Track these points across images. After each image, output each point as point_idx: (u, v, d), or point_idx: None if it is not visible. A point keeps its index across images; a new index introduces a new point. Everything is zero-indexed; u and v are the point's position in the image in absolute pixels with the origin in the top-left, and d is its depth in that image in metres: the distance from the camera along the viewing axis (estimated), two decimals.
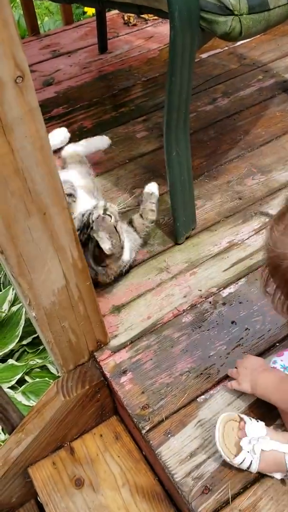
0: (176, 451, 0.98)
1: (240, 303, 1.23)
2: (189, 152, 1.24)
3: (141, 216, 1.35)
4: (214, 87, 1.96)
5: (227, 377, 1.08)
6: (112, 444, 1.21)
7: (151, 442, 1.00)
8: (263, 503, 0.90)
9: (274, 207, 1.45)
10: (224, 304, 1.23)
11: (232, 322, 1.19)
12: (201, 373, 1.10)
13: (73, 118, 1.87)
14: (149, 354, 1.15)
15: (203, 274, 1.30)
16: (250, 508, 0.90)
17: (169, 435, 1.01)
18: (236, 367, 1.02)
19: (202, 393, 1.06)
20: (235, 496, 0.91)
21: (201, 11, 0.98)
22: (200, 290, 1.27)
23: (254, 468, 0.89)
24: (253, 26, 1.01)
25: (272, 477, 0.92)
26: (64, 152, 1.52)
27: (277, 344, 1.13)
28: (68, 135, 1.65)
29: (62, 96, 1.99)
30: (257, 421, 0.93)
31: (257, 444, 0.88)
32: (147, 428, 1.02)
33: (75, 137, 1.68)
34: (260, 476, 0.92)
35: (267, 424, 0.94)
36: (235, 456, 0.89)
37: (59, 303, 0.94)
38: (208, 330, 1.18)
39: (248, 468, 0.90)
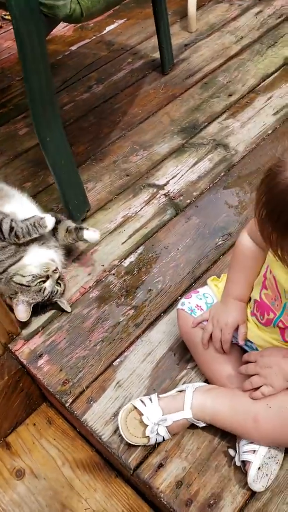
0: (100, 414, 1.03)
1: (140, 269, 1.29)
2: (64, 136, 1.28)
3: (67, 231, 1.28)
4: (88, 75, 2.01)
5: (137, 338, 1.15)
6: (46, 430, 1.24)
7: (75, 412, 1.04)
8: (185, 440, 0.97)
9: (159, 178, 1.54)
10: (127, 273, 1.29)
11: (137, 288, 1.25)
12: (114, 339, 1.15)
13: None
14: (62, 334, 1.18)
15: (104, 250, 1.36)
16: (175, 447, 0.97)
17: (91, 402, 1.05)
18: (251, 374, 0.89)
19: (117, 357, 1.12)
20: (160, 442, 0.97)
21: None
22: (103, 265, 1.32)
23: (167, 437, 0.95)
24: (92, 6, 1.07)
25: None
26: None
27: (179, 298, 1.21)
28: None
29: None
30: (150, 401, 0.95)
31: (160, 427, 0.93)
32: (70, 401, 1.06)
33: None
34: None
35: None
36: (148, 439, 0.94)
37: None
38: (115, 299, 1.24)
39: (164, 439, 0.96)
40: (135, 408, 0.95)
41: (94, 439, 1.04)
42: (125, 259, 1.33)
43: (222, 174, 1.52)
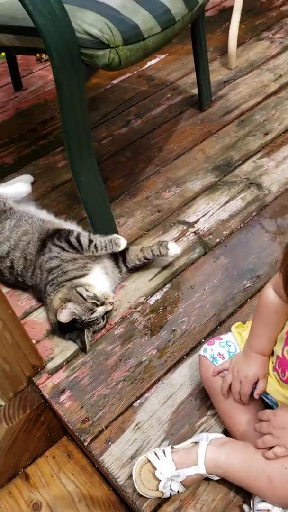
0: (117, 456, 1.04)
1: (165, 308, 1.30)
2: (98, 175, 1.32)
3: (141, 249, 1.37)
4: (127, 110, 2.07)
5: (159, 379, 1.15)
6: (65, 464, 1.25)
7: (93, 452, 1.05)
8: (201, 490, 0.96)
9: (190, 215, 1.55)
10: (152, 311, 1.30)
11: (161, 327, 1.26)
12: (136, 379, 1.16)
13: None
14: (85, 370, 1.20)
15: (131, 286, 1.38)
16: (190, 497, 0.96)
17: (109, 443, 1.06)
18: (264, 432, 0.88)
19: (138, 398, 1.13)
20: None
21: (81, 48, 1.07)
22: (129, 302, 1.34)
23: (182, 490, 0.95)
24: (131, 55, 1.11)
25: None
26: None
27: (203, 340, 1.21)
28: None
29: None
30: (164, 454, 0.94)
31: (173, 483, 0.92)
32: (89, 439, 1.07)
33: None
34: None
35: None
36: (162, 493, 0.93)
37: None
38: (139, 338, 1.25)
39: (178, 492, 0.95)
40: (149, 461, 0.94)
41: (111, 481, 1.05)
42: (151, 296, 1.34)
43: (254, 214, 1.52)
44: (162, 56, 2.39)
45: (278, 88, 2.00)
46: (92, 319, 1.22)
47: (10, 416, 1.14)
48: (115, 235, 1.33)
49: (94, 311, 1.22)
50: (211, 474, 0.91)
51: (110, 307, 1.26)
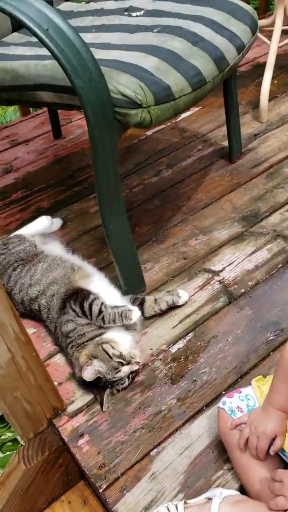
0: (132, 506, 1.03)
1: (187, 357, 1.31)
2: (127, 224, 1.37)
3: (155, 301, 1.42)
4: (159, 160, 2.14)
5: (177, 429, 1.15)
6: (80, 510, 1.24)
7: (107, 500, 1.05)
8: None
9: (216, 264, 1.58)
10: (173, 360, 1.31)
11: (182, 376, 1.27)
12: (154, 428, 1.16)
13: (31, 201, 2.02)
14: (105, 415, 1.21)
15: (154, 333, 1.40)
16: None
17: (124, 491, 1.06)
18: (277, 494, 0.86)
19: (155, 447, 1.13)
20: None
21: (115, 107, 1.15)
22: (151, 349, 1.35)
23: None
24: (162, 114, 1.18)
25: None
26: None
27: (223, 392, 1.21)
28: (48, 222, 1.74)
29: (21, 181, 2.16)
30: (176, 510, 0.94)
31: None
32: (104, 486, 1.07)
33: (33, 218, 1.83)
34: None
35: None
36: None
37: (8, 375, 1.02)
38: (159, 386, 1.25)
39: None
40: None
41: None
42: (173, 344, 1.35)
43: (280, 265, 1.53)
44: (195, 109, 2.48)
45: None
46: (116, 379, 1.21)
47: (28, 457, 1.15)
48: (127, 307, 1.29)
49: (119, 371, 1.21)
50: None
51: (136, 367, 1.24)
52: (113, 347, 1.24)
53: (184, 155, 2.14)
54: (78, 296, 1.32)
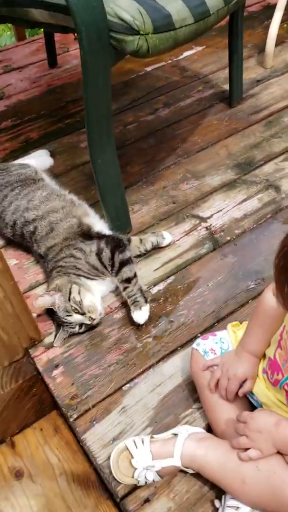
0: (100, 436, 1.06)
1: (166, 299, 1.31)
2: (116, 160, 1.33)
3: (140, 241, 1.41)
4: (156, 98, 2.06)
5: (151, 367, 1.17)
6: (51, 437, 1.28)
7: (77, 429, 1.08)
8: (176, 480, 0.98)
9: (204, 210, 1.55)
10: (153, 300, 1.32)
11: (159, 317, 1.27)
12: (128, 364, 1.18)
13: (21, 130, 1.95)
14: (81, 349, 1.22)
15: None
16: (165, 485, 0.98)
17: (94, 422, 1.08)
18: (240, 434, 0.88)
19: (127, 382, 1.15)
20: None
21: (110, 31, 1.08)
22: None
23: (157, 480, 0.96)
24: (160, 44, 1.11)
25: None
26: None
27: (199, 335, 1.22)
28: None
29: (12, 109, 2.07)
30: (142, 443, 0.96)
31: (148, 472, 0.94)
32: (75, 416, 1.10)
33: (21, 149, 1.77)
34: None
35: None
36: (138, 481, 0.95)
37: None
38: (137, 325, 1.26)
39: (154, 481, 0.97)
40: (127, 448, 0.96)
41: (91, 461, 1.07)
42: (154, 286, 1.35)
43: (269, 216, 1.51)
44: (199, 48, 2.37)
45: None
46: (65, 320, 1.21)
47: (2, 384, 1.17)
48: (143, 303, 1.23)
49: (70, 315, 1.20)
50: (186, 468, 0.93)
51: (87, 322, 1.22)
52: (79, 293, 1.22)
53: (183, 95, 2.06)
54: (110, 240, 1.30)
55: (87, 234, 1.34)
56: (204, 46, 2.37)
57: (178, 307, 1.29)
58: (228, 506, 0.87)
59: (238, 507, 0.86)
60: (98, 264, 1.27)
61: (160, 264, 1.41)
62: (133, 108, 2.02)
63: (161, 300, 1.31)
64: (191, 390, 1.11)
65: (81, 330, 1.24)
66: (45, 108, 2.07)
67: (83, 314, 1.21)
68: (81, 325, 1.23)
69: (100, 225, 1.40)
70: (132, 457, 0.95)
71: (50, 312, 1.26)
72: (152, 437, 0.98)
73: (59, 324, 1.23)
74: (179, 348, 1.20)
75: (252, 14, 2.56)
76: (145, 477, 0.95)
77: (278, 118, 1.87)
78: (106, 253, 1.27)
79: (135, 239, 1.40)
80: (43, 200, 1.42)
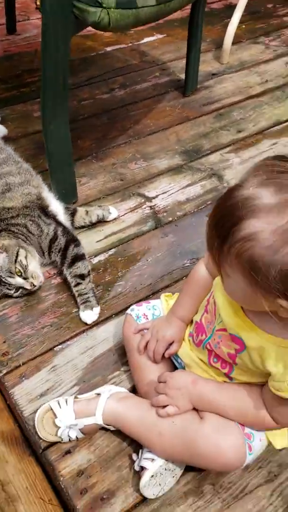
0: (28, 391, 1.09)
1: (106, 269, 1.36)
2: (67, 129, 1.34)
3: (86, 212, 1.43)
4: (114, 78, 2.09)
5: (84, 331, 1.21)
6: None
7: (5, 383, 1.10)
8: (98, 435, 1.03)
9: (150, 190, 1.61)
10: (92, 270, 1.35)
11: (97, 285, 1.31)
12: (62, 327, 1.21)
13: None
14: (16, 309, 1.24)
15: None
16: (87, 439, 1.02)
17: (23, 378, 1.11)
18: (160, 393, 0.93)
19: (60, 344, 1.18)
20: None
21: (74, 0, 1.10)
22: None
23: (80, 437, 1.00)
24: (121, 19, 1.14)
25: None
26: None
27: (133, 305, 1.27)
28: None
29: None
30: (66, 403, 0.99)
31: (71, 430, 0.98)
32: (4, 371, 1.12)
33: None
34: None
35: None
36: (62, 439, 0.99)
37: None
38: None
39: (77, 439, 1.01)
40: (51, 408, 0.99)
41: (17, 413, 1.10)
42: (95, 256, 1.39)
43: (209, 202, 1.59)
44: (160, 36, 2.41)
45: (261, 92, 2.08)
46: (5, 281, 1.22)
47: None
48: (94, 304, 1.22)
49: (12, 277, 1.21)
50: (108, 425, 0.98)
51: (28, 287, 1.22)
52: (25, 257, 1.23)
53: (140, 79, 2.10)
54: (67, 232, 1.31)
55: (45, 210, 1.34)
56: (165, 35, 2.42)
57: (116, 278, 1.33)
58: (144, 459, 0.93)
59: (153, 459, 0.92)
60: (46, 249, 1.29)
61: (103, 236, 1.45)
62: (90, 85, 2.04)
63: (100, 270, 1.35)
64: (121, 355, 1.16)
65: (15, 294, 1.25)
66: (0, 74, 2.04)
67: (25, 278, 1.22)
68: (18, 289, 1.24)
69: (55, 205, 1.39)
70: (56, 416, 0.98)
71: None
72: (76, 397, 1.02)
73: None
74: (113, 316, 1.24)
75: (213, 11, 2.64)
76: (68, 435, 0.99)
77: (229, 112, 1.96)
78: (60, 243, 1.28)
79: (81, 210, 1.43)
80: (0, 162, 1.41)
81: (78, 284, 1.25)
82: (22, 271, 1.22)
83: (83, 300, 1.23)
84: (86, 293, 1.24)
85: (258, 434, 0.89)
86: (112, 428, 1.00)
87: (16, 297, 1.26)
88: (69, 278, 1.26)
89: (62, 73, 1.20)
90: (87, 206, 1.52)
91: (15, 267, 1.21)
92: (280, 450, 0.96)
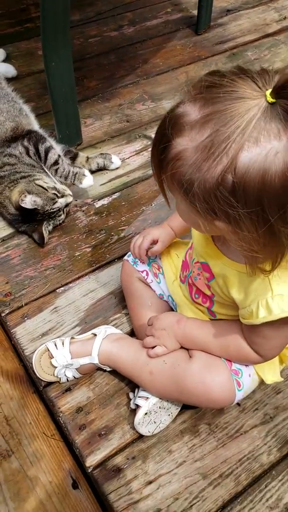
0: (30, 331, 1.10)
1: (109, 213, 1.34)
2: (71, 66, 1.29)
3: (87, 159, 1.40)
4: (123, 14, 1.99)
5: (86, 274, 1.21)
6: None
7: (8, 323, 1.11)
8: (98, 374, 1.05)
9: None
10: (96, 213, 1.34)
11: (100, 230, 1.30)
12: (64, 269, 1.21)
13: None
14: (18, 251, 1.24)
15: (81, 187, 1.39)
16: (87, 377, 1.04)
17: (25, 318, 1.12)
18: (147, 335, 0.95)
19: (62, 286, 1.18)
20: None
21: None
22: (76, 200, 1.36)
23: (78, 376, 1.02)
24: None
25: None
26: None
27: None
28: None
29: None
30: (62, 344, 1.00)
31: (67, 370, 0.99)
32: (7, 311, 1.13)
33: None
34: None
35: None
36: (60, 379, 1.01)
37: None
38: (77, 234, 1.29)
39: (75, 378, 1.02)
40: (48, 349, 1.00)
41: (19, 352, 1.12)
42: (98, 200, 1.37)
43: None
44: None
45: (279, 30, 1.96)
46: (54, 210, 1.23)
47: None
48: (83, 170, 1.30)
49: (56, 201, 1.23)
50: (103, 365, 0.99)
51: (70, 199, 1.27)
52: (45, 182, 1.25)
53: (151, 15, 1.99)
54: (33, 136, 1.30)
55: (15, 137, 1.33)
56: None
57: (120, 222, 1.32)
58: (139, 397, 0.95)
59: (147, 398, 0.94)
60: (33, 161, 1.29)
61: (106, 180, 1.42)
62: (98, 21, 1.94)
63: (104, 214, 1.33)
64: (122, 298, 1.16)
65: (65, 216, 1.27)
66: (3, 7, 1.94)
67: (62, 196, 1.25)
68: (63, 210, 1.26)
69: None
70: (52, 357, 1.00)
71: (20, 222, 1.27)
72: (72, 338, 1.03)
73: (35, 224, 1.24)
74: (116, 260, 1.24)
75: None
76: (65, 374, 1.00)
77: (243, 51, 1.86)
78: (31, 149, 1.29)
79: (82, 156, 1.40)
80: None
81: (57, 170, 1.29)
82: (56, 192, 1.24)
83: (72, 177, 1.29)
84: (69, 170, 1.29)
85: (246, 370, 0.90)
86: (108, 369, 1.01)
87: (64, 219, 1.28)
88: (49, 172, 1.29)
89: (62, 3, 1.13)
90: (92, 148, 1.49)
91: (51, 193, 1.23)
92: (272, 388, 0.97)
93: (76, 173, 1.29)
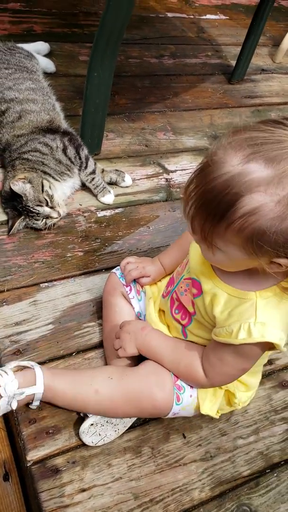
0: (5, 317, 1.12)
1: (109, 225, 1.38)
2: (110, 80, 1.35)
3: (102, 170, 1.45)
4: (166, 45, 2.07)
5: (72, 276, 1.24)
6: None
7: None
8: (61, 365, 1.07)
9: (171, 164, 1.62)
10: (96, 222, 1.38)
11: (96, 238, 1.34)
12: (53, 266, 1.24)
13: (26, 19, 1.90)
14: (14, 238, 1.27)
15: (88, 194, 1.44)
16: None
17: (4, 304, 1.14)
18: (116, 337, 1.01)
19: (47, 281, 1.21)
20: (43, 363, 1.06)
21: None
22: (81, 205, 1.41)
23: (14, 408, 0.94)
24: None
25: None
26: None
27: None
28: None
29: None
30: (7, 374, 0.92)
31: (13, 401, 0.92)
32: None
33: (20, 36, 1.73)
34: (66, 353, 1.09)
35: None
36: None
37: None
38: (73, 236, 1.32)
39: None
40: None
41: None
42: (102, 210, 1.41)
43: None
44: (222, 16, 2.38)
45: None
46: (33, 211, 1.24)
47: None
48: (108, 189, 1.42)
49: (41, 205, 1.25)
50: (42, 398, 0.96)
51: (55, 215, 1.27)
52: (50, 188, 1.29)
53: (191, 54, 2.08)
54: (74, 139, 1.38)
55: (52, 129, 1.38)
56: (227, 17, 2.39)
57: (116, 235, 1.36)
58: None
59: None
60: (65, 159, 1.34)
61: (114, 194, 1.46)
62: (141, 45, 2.02)
63: (103, 224, 1.38)
64: (99, 308, 1.19)
65: (41, 225, 1.27)
66: (58, 8, 2.01)
67: (51, 208, 1.27)
68: (44, 219, 1.27)
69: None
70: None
71: (5, 203, 1.30)
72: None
73: (16, 213, 1.26)
74: (103, 270, 1.27)
75: (281, 8, 2.61)
76: (11, 406, 0.92)
77: (267, 110, 1.96)
78: (71, 150, 1.36)
79: (98, 167, 1.44)
80: (29, 90, 1.43)
81: (93, 179, 1.40)
82: (48, 200, 1.26)
83: (100, 189, 1.41)
84: (101, 183, 1.41)
85: (189, 390, 0.96)
86: (34, 406, 0.98)
87: (40, 229, 1.29)
88: (85, 178, 1.40)
89: (122, 21, 1.19)
90: (107, 161, 1.54)
91: (43, 197, 1.25)
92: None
93: (105, 187, 1.41)
